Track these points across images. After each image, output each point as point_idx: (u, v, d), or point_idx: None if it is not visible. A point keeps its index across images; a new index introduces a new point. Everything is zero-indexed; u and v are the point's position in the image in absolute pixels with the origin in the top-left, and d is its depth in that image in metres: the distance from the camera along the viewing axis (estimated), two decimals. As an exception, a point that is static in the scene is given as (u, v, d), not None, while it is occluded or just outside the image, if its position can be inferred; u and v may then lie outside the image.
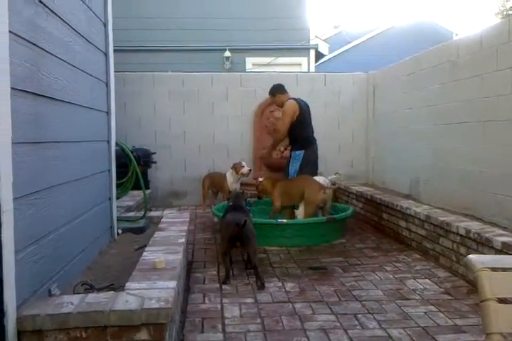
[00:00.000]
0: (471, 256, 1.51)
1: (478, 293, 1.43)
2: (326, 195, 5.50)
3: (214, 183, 7.04)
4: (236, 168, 6.63)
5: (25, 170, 2.32)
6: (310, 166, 5.92)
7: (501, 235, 3.74)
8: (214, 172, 7.26)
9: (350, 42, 18.24)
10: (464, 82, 4.99)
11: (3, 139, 2.03)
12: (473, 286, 3.77)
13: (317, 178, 5.77)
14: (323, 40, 12.91)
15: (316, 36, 11.96)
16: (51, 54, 2.72)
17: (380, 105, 7.62)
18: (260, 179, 5.92)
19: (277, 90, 6.11)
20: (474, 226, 4.09)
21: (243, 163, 6.69)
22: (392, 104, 7.02)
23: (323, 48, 12.18)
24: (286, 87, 6.16)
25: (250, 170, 6.70)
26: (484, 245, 3.74)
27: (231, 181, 6.68)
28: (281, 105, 6.08)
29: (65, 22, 2.98)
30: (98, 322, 2.13)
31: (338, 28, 21.00)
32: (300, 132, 5.93)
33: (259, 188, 5.80)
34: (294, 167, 5.90)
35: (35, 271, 2.40)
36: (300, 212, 5.45)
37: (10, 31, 2.12)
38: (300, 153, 5.91)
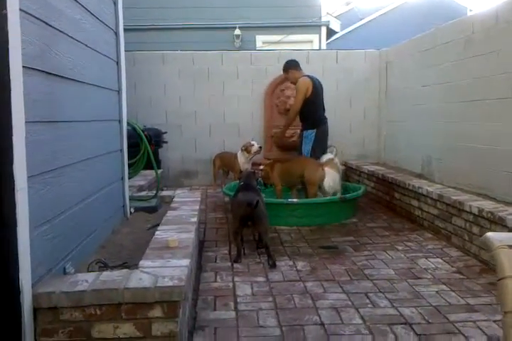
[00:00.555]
0: (488, 234, 1.49)
1: (497, 271, 1.41)
2: (324, 171, 5.49)
3: (225, 163, 7.06)
4: (247, 148, 6.63)
5: (39, 149, 2.32)
6: (322, 145, 5.91)
7: (515, 214, 3.71)
8: (225, 152, 7.27)
9: (362, 19, 17.93)
10: (480, 58, 4.89)
11: (17, 118, 2.03)
12: (485, 265, 3.77)
13: (324, 156, 5.78)
14: (335, 17, 12.69)
15: (327, 13, 11.75)
16: (62, 32, 2.70)
17: (392, 82, 7.52)
18: (261, 167, 5.94)
19: (291, 66, 6.02)
20: (487, 205, 4.06)
21: (252, 142, 6.69)
22: (405, 82, 6.92)
23: (335, 25, 11.98)
24: None
25: (261, 148, 6.71)
26: (497, 224, 3.72)
27: (242, 161, 6.67)
28: (294, 82, 6.01)
29: (76, 0, 2.94)
30: (112, 299, 2.15)
31: (349, 4, 20.64)
32: (313, 111, 5.88)
33: (262, 175, 5.80)
34: (307, 147, 5.88)
35: (50, 249, 2.42)
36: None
37: (21, 9, 2.10)
38: (312, 132, 5.89)
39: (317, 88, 5.89)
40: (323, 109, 6.04)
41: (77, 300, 2.13)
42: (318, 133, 5.87)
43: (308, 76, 5.91)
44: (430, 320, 2.85)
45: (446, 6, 17.09)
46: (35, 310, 2.12)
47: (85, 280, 2.25)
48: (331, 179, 5.54)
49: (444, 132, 5.65)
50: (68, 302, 2.13)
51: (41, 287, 2.18)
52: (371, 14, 18.14)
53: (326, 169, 5.54)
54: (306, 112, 5.89)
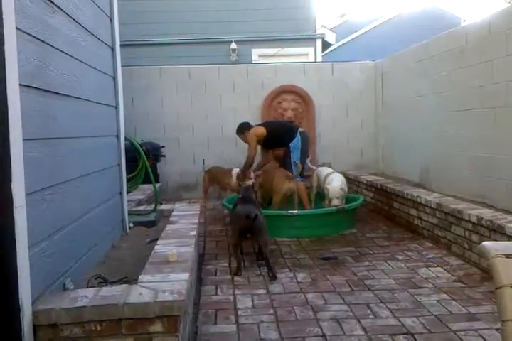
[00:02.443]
0: (485, 243, 1.50)
1: (493, 280, 1.42)
2: (292, 184, 5.58)
3: (216, 178, 6.89)
4: (240, 176, 6.39)
5: (37, 166, 2.33)
6: (305, 149, 6.22)
7: (513, 222, 3.72)
8: (217, 167, 7.07)
9: (356, 31, 18.07)
10: (474, 68, 4.93)
11: (14, 136, 2.04)
12: (486, 273, 3.77)
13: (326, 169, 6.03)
14: (330, 30, 12.79)
15: (322, 26, 11.85)
16: (58, 50, 2.72)
17: (388, 93, 7.57)
18: (250, 181, 5.99)
19: (246, 127, 6.38)
20: (486, 213, 4.07)
21: (251, 175, 6.30)
22: (401, 92, 6.96)
23: (330, 37, 12.07)
24: (293, 77, 6.64)
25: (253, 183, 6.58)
26: (497, 232, 3.72)
27: (234, 181, 6.47)
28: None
29: (72, 17, 2.98)
30: (113, 315, 2.14)
31: (344, 16, 20.83)
32: (280, 137, 6.23)
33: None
34: (295, 154, 6.09)
35: (49, 265, 2.42)
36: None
37: (17, 28, 2.12)
38: (297, 142, 6.12)
39: (272, 127, 6.30)
40: (291, 130, 6.25)
41: (77, 316, 2.12)
42: (301, 137, 6.15)
43: (260, 124, 6.50)
44: (432, 330, 2.84)
45: (440, 16, 17.24)
46: (35, 327, 2.11)
47: (85, 296, 2.24)
48: (341, 181, 5.65)
49: (441, 141, 5.68)
50: (68, 318, 2.12)
51: (41, 304, 2.17)
52: (366, 26, 18.29)
53: (334, 174, 5.72)
54: (276, 140, 6.28)
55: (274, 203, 5.64)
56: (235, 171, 6.46)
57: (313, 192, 6.13)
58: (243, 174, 6.43)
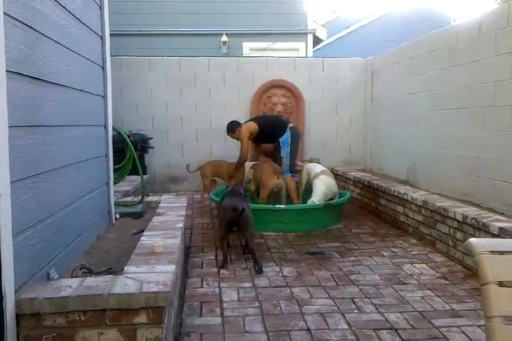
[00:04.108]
0: (471, 240, 1.51)
1: (479, 277, 1.43)
2: (279, 181, 5.64)
3: (216, 171, 6.84)
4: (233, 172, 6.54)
5: (22, 153, 2.30)
6: (297, 146, 6.23)
7: (498, 220, 3.75)
8: (215, 161, 7.06)
9: (348, 28, 18.06)
10: (463, 67, 4.96)
11: (0, 123, 2.00)
12: (470, 271, 3.80)
13: (317, 166, 6.00)
14: (321, 25, 12.77)
15: (313, 21, 11.82)
16: (47, 37, 2.68)
17: (378, 90, 7.58)
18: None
19: (236, 126, 6.36)
20: (471, 211, 4.10)
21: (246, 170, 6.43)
22: (390, 90, 6.98)
23: (321, 33, 12.05)
24: (283, 72, 6.99)
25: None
26: (481, 230, 3.75)
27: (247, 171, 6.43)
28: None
29: (61, 4, 2.93)
30: (97, 305, 2.13)
31: (335, 12, 20.80)
32: (271, 132, 6.24)
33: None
34: (286, 149, 6.11)
35: (34, 254, 2.39)
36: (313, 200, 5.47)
37: (5, 13, 2.08)
38: (287, 137, 6.11)
39: (263, 123, 6.29)
40: (282, 126, 6.24)
41: (61, 306, 2.10)
42: (292, 133, 6.13)
43: (249, 120, 6.48)
44: (415, 326, 2.86)
45: (430, 15, 17.27)
46: (18, 316, 2.09)
47: (69, 286, 2.22)
48: (326, 184, 5.61)
49: (428, 139, 5.71)
50: (51, 308, 2.10)
51: (24, 293, 2.15)
52: (357, 23, 18.28)
53: (322, 176, 5.66)
54: (268, 136, 6.28)
55: (261, 198, 5.66)
56: (249, 165, 6.43)
57: (302, 188, 6.12)
58: (236, 170, 6.45)
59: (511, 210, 4.15)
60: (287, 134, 6.13)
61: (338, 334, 2.76)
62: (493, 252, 1.46)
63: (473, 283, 3.53)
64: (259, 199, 5.68)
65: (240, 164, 6.39)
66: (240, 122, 6.42)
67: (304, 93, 7.87)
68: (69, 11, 3.09)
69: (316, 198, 5.43)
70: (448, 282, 3.61)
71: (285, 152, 6.13)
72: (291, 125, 6.30)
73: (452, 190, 5.07)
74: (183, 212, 4.16)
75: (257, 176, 5.86)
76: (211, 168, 6.88)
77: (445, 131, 5.32)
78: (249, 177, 6.10)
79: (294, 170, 6.11)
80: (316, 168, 5.97)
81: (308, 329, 2.81)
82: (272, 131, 6.25)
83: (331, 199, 5.66)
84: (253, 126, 6.24)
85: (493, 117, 4.47)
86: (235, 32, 10.90)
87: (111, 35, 4.16)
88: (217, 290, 3.45)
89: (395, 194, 5.36)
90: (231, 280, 3.66)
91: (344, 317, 2.99)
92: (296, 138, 6.22)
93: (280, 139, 6.19)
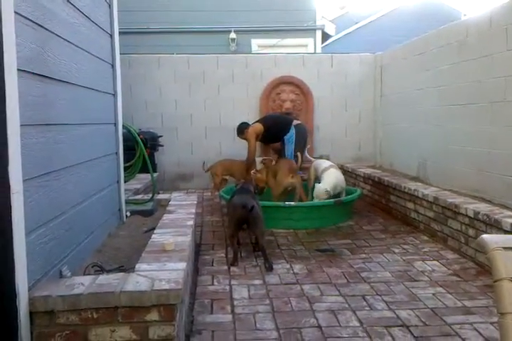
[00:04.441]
0: (484, 236, 1.49)
1: (492, 273, 1.42)
2: (294, 179, 5.64)
3: (228, 170, 6.79)
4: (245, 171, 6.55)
5: (34, 152, 2.31)
6: (301, 141, 6.33)
7: (510, 216, 3.72)
8: (226, 160, 6.97)
9: (356, 23, 17.97)
10: (473, 62, 4.91)
11: (12, 121, 2.01)
12: (482, 268, 3.78)
13: (325, 162, 6.03)
14: (330, 21, 12.73)
15: (322, 17, 11.79)
16: (57, 35, 2.69)
17: (387, 86, 7.54)
18: (252, 172, 6.05)
19: (244, 127, 6.47)
20: (483, 207, 4.07)
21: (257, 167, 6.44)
22: (400, 85, 6.94)
23: (330, 29, 12.02)
24: (292, 69, 7.12)
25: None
26: (493, 226, 3.73)
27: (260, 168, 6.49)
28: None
29: (70, 3, 2.94)
30: (109, 303, 2.14)
31: (344, 8, 20.70)
32: (277, 131, 6.40)
33: (256, 181, 5.85)
34: (290, 147, 6.25)
35: (46, 252, 2.41)
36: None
37: (16, 12, 2.09)
38: (292, 135, 6.24)
39: (269, 123, 6.44)
40: (286, 125, 6.38)
41: (74, 303, 2.12)
42: (296, 131, 6.25)
43: (257, 121, 6.59)
44: (427, 323, 2.85)
45: (440, 10, 17.14)
46: (32, 314, 2.11)
47: (82, 284, 2.24)
48: (336, 178, 5.64)
49: (439, 135, 5.67)
50: (64, 305, 2.11)
51: (37, 290, 2.16)
52: (366, 18, 18.18)
53: (331, 170, 5.72)
54: (274, 136, 6.46)
55: (274, 195, 5.66)
56: (259, 160, 6.47)
57: (311, 184, 6.11)
58: (246, 169, 6.50)
59: (523, 206, 4.12)
60: (292, 132, 6.25)
61: (349, 331, 2.75)
62: (506, 248, 1.44)
63: (485, 280, 3.50)
64: (273, 198, 5.65)
65: (248, 164, 6.48)
66: (249, 123, 6.52)
67: (313, 89, 7.84)
68: (78, 9, 3.10)
69: (327, 185, 5.46)
70: (460, 279, 3.59)
71: (289, 150, 6.24)
72: (296, 122, 6.38)
73: (463, 186, 5.03)
74: (193, 210, 4.16)
75: (273, 170, 5.87)
76: (222, 167, 6.82)
77: (455, 127, 5.28)
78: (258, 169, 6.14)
79: (300, 167, 6.11)
80: (325, 163, 5.99)
81: (320, 327, 2.80)
82: (276, 131, 6.41)
83: (339, 194, 5.66)
84: (259, 127, 6.40)
85: (503, 112, 4.43)
86: (243, 29, 10.90)
87: (120, 33, 4.17)
88: (227, 287, 3.46)
89: (406, 190, 5.34)
90: (241, 278, 3.66)
91: (355, 314, 2.98)
92: (301, 134, 6.30)
93: (285, 137, 6.31)
